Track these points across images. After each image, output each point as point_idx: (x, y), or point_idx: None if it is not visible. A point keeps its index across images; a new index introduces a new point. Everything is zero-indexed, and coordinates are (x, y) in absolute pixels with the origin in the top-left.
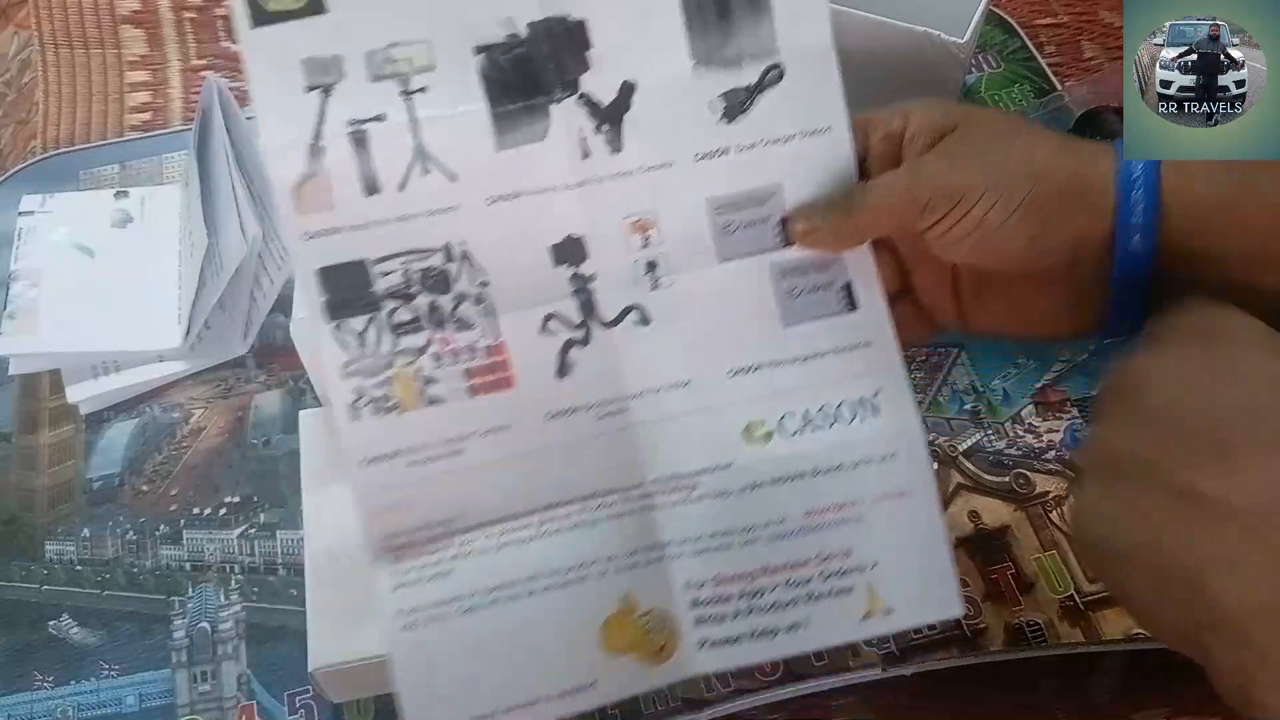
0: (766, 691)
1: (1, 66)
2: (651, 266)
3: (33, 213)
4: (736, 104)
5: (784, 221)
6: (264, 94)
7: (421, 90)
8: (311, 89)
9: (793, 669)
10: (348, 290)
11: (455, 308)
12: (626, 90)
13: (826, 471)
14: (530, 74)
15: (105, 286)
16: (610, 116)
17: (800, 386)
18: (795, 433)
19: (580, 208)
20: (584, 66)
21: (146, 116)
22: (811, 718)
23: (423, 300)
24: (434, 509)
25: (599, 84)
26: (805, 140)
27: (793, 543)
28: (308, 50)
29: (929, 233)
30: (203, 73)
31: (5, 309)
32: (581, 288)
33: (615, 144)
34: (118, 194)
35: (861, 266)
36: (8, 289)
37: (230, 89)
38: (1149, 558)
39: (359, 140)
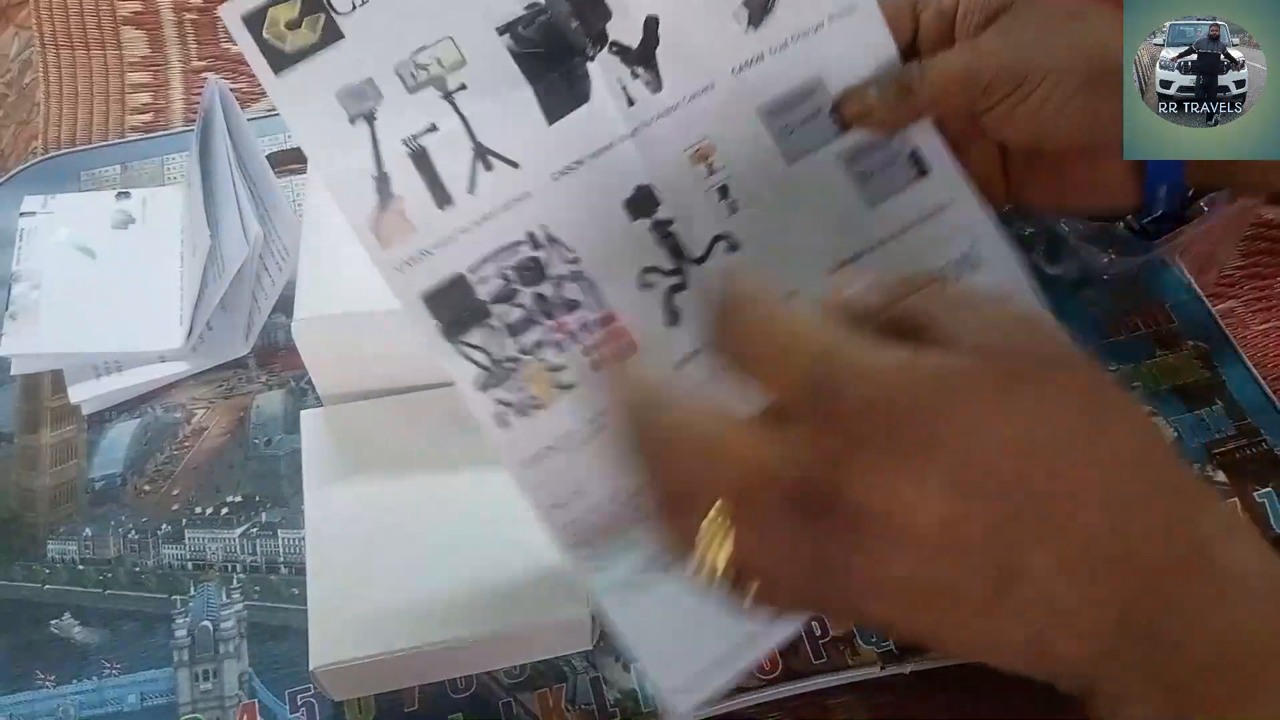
0: (765, 690)
1: (2, 67)
2: (724, 191)
3: (34, 213)
4: (759, 7)
5: (835, 109)
6: (310, 138)
7: (462, 88)
8: (355, 119)
9: (792, 667)
10: (456, 307)
11: (557, 291)
12: (652, 26)
13: None
14: (559, 38)
15: (107, 287)
16: (643, 57)
17: (901, 262)
18: None
19: (640, 156)
20: (607, 14)
21: (148, 117)
22: (810, 716)
23: (526, 294)
24: (601, 487)
25: (624, 28)
26: (835, 24)
27: None
28: (338, 81)
29: (988, 114)
30: (204, 74)
31: (7, 310)
32: (665, 233)
33: (655, 83)
34: (119, 195)
35: (923, 131)
36: (9, 290)
37: (231, 90)
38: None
39: (419, 156)
